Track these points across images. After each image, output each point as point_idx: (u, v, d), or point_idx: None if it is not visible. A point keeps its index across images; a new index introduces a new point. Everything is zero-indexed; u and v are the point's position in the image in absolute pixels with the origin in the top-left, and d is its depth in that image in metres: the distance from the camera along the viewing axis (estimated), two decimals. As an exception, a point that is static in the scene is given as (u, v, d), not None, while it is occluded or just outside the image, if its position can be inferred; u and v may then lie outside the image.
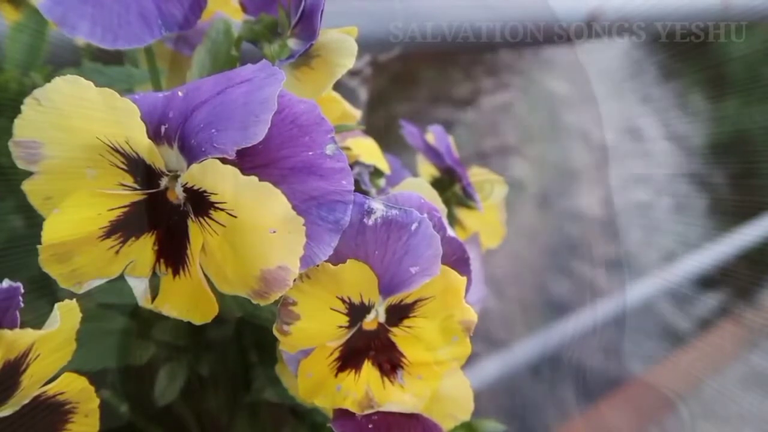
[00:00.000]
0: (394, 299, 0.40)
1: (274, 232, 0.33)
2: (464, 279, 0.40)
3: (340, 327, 0.40)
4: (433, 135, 0.65)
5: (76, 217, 0.34)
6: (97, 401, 0.37)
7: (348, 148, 0.55)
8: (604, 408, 1.28)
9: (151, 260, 0.36)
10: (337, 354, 0.40)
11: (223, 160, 0.33)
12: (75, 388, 0.36)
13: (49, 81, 0.34)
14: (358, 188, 0.53)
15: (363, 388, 0.41)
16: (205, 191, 0.34)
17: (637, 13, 0.99)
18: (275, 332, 0.38)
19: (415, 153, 0.68)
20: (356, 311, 0.40)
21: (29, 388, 0.34)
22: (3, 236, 0.48)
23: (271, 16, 0.46)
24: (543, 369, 1.27)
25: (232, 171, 0.33)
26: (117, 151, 0.35)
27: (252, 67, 0.36)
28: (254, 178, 0.33)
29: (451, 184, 0.65)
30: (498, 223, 0.68)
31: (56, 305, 0.34)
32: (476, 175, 0.67)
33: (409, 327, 0.41)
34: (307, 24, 0.43)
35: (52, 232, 0.34)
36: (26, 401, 0.34)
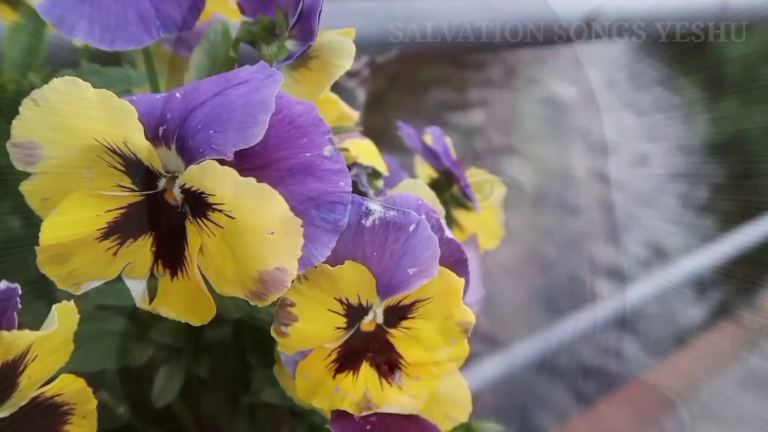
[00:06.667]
0: (392, 300, 0.40)
1: (272, 233, 0.33)
2: (462, 280, 0.40)
3: (338, 328, 0.40)
4: (430, 136, 0.65)
5: (73, 219, 0.34)
6: (95, 402, 0.37)
7: (346, 150, 0.55)
8: (604, 408, 1.28)
9: (149, 261, 0.36)
10: (335, 355, 0.40)
11: (221, 162, 0.33)
12: (73, 389, 0.35)
13: (47, 82, 0.34)
14: (356, 189, 0.53)
15: (361, 389, 0.41)
16: (203, 192, 0.34)
17: (637, 13, 0.98)
18: (273, 333, 0.38)
19: (413, 154, 0.68)
20: (354, 312, 0.40)
21: (27, 389, 0.34)
22: (1, 237, 0.48)
23: (269, 18, 0.46)
24: (543, 369, 1.27)
25: (230, 172, 0.33)
26: (115, 152, 0.34)
27: (250, 69, 0.36)
28: (252, 180, 0.33)
29: (449, 186, 0.65)
30: (496, 224, 0.68)
31: (54, 306, 0.34)
32: (474, 175, 0.67)
33: (407, 328, 0.41)
34: (305, 25, 0.43)
35: (50, 233, 0.34)
36: (24, 402, 0.34)
